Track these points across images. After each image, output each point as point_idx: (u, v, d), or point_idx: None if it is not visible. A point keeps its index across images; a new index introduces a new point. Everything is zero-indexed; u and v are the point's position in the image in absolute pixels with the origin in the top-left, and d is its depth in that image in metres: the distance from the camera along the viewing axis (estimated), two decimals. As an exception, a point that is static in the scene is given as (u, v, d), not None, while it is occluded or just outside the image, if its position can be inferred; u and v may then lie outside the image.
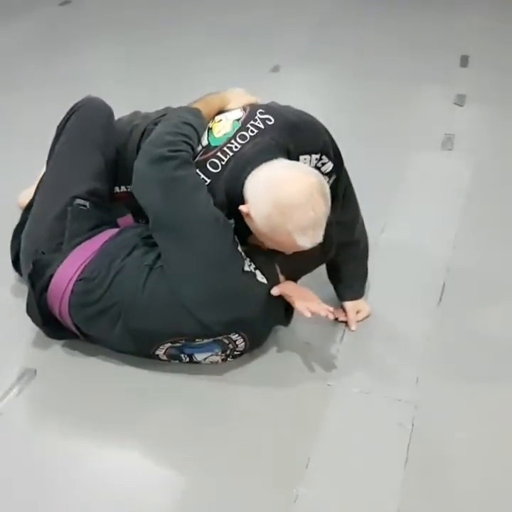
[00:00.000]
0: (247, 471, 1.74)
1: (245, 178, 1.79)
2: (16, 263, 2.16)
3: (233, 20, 4.44)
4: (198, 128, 1.92)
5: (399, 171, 2.92)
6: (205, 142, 1.92)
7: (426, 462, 1.75)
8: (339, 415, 1.88)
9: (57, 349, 2.05)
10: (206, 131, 1.95)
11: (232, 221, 1.86)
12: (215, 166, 1.86)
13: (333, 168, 1.94)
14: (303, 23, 4.45)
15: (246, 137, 1.87)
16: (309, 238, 1.73)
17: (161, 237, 1.86)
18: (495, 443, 1.81)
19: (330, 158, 1.93)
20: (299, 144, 1.88)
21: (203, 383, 1.95)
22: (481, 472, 1.74)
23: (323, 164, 1.92)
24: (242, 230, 1.84)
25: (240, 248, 1.85)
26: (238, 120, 1.92)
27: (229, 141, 1.88)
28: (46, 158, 2.19)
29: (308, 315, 1.86)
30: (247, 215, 1.77)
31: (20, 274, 2.15)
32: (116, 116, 2.23)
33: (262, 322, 1.93)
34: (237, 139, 1.87)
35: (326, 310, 1.88)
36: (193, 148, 1.88)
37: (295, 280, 1.95)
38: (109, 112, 2.19)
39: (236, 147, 1.86)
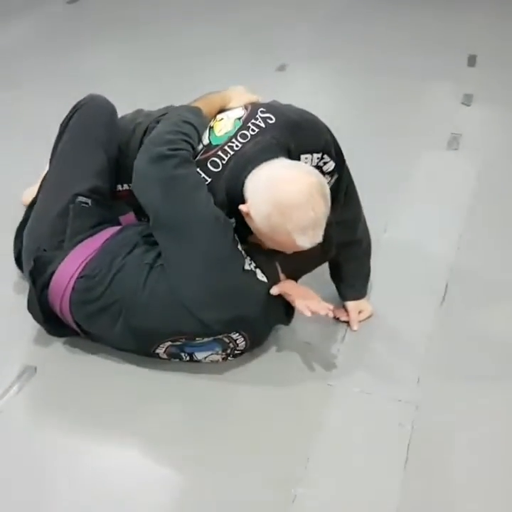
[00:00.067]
0: (246, 470, 1.74)
1: (246, 177, 1.78)
2: (18, 260, 2.16)
3: (240, 18, 4.41)
4: (199, 127, 1.91)
5: (404, 169, 2.91)
6: (206, 141, 1.92)
7: (426, 462, 1.75)
8: (339, 415, 1.87)
9: (57, 347, 2.05)
10: (207, 130, 1.94)
11: (232, 220, 1.85)
12: (215, 164, 1.86)
13: (334, 167, 1.93)
14: (310, 20, 4.42)
15: (247, 136, 1.87)
16: (309, 238, 1.72)
17: (161, 235, 1.86)
18: (496, 444, 1.80)
19: (331, 158, 1.92)
20: (300, 143, 1.87)
21: (203, 382, 1.95)
22: (481, 473, 1.73)
23: (324, 163, 1.91)
24: (243, 229, 1.83)
25: (240, 247, 1.84)
26: (239, 119, 1.92)
27: (230, 140, 1.87)
28: (49, 156, 2.19)
29: (308, 314, 1.86)
30: (247, 214, 1.77)
31: (23, 271, 2.15)
32: (119, 114, 2.22)
33: (262, 321, 1.93)
34: (238, 138, 1.87)
35: (326, 308, 1.88)
36: (193, 147, 1.88)
37: (295, 279, 1.94)
38: (112, 110, 2.20)
39: (237, 146, 1.86)
